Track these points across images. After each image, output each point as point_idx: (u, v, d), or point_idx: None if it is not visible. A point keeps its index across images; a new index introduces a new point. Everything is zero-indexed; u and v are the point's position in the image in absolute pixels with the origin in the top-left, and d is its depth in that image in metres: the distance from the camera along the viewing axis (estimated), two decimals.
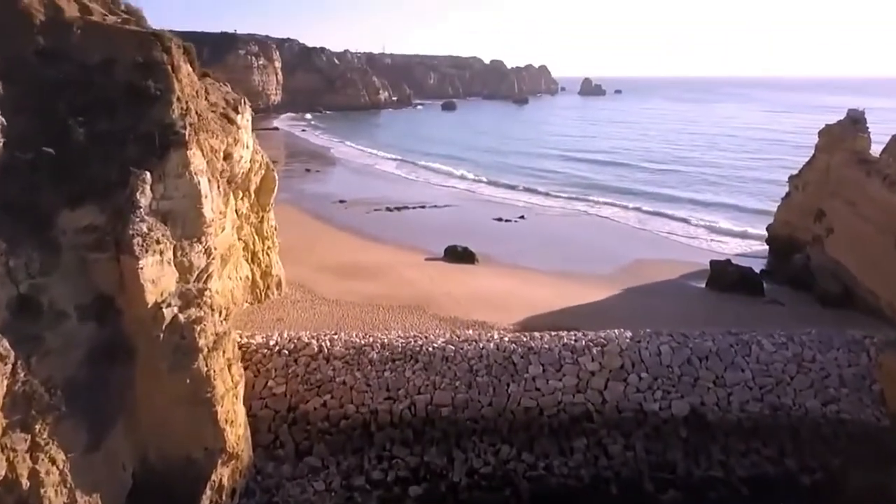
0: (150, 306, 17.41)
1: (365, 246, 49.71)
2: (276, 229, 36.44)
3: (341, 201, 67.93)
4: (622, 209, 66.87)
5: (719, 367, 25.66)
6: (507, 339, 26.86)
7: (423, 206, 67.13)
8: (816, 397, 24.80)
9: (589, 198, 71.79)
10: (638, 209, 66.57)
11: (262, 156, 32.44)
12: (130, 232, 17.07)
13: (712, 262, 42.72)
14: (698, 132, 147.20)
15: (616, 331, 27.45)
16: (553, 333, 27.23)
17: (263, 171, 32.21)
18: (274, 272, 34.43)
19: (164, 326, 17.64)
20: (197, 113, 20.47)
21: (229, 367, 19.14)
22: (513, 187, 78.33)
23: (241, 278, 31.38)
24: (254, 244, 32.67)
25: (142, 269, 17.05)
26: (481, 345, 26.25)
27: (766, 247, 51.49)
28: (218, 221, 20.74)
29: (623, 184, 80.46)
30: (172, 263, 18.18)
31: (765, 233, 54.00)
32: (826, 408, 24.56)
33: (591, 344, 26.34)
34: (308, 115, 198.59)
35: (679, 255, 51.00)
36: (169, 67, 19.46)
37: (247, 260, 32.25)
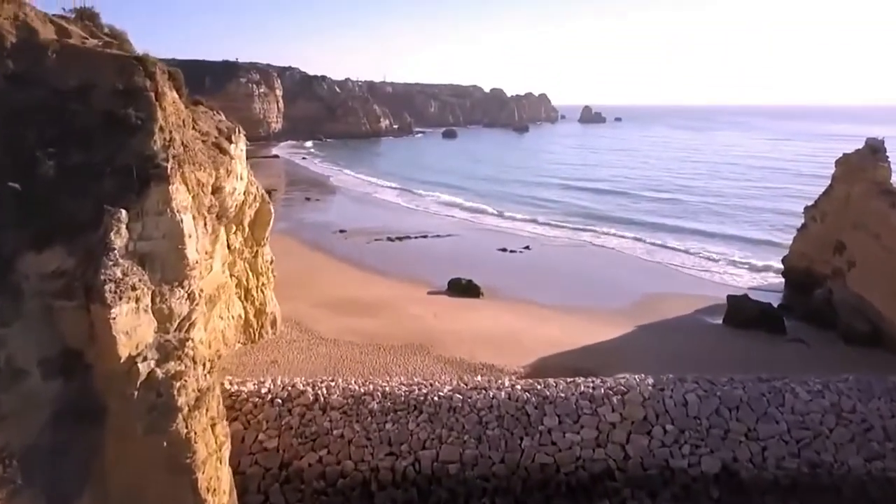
0: (123, 360, 15.40)
1: (365, 279, 47.79)
2: (272, 263, 34.55)
3: (341, 231, 66.22)
4: (629, 240, 65.05)
5: (751, 418, 23.52)
6: (518, 386, 24.75)
7: (424, 236, 65.39)
8: (859, 453, 22.60)
9: (594, 228, 70.03)
10: (644, 240, 64.76)
11: (256, 187, 30.71)
12: (102, 277, 15.16)
13: (729, 298, 40.72)
14: (700, 160, 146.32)
15: (636, 377, 25.36)
16: (569, 380, 25.12)
17: (258, 204, 30.44)
18: (269, 310, 32.43)
19: (138, 383, 15.60)
20: (183, 144, 18.73)
21: (213, 426, 17.06)
22: (516, 217, 76.61)
23: (233, 317, 29.41)
24: (247, 281, 30.75)
25: (114, 318, 15.08)
26: (491, 393, 24.13)
27: (782, 280, 49.60)
28: (204, 262, 18.86)
29: (627, 214, 78.81)
30: (150, 311, 16.22)
31: (778, 265, 52.25)
32: (870, 465, 22.35)
33: (611, 392, 24.23)
34: (308, 143, 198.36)
35: (691, 288, 49.05)
36: (152, 94, 17.76)
37: (240, 298, 30.31)
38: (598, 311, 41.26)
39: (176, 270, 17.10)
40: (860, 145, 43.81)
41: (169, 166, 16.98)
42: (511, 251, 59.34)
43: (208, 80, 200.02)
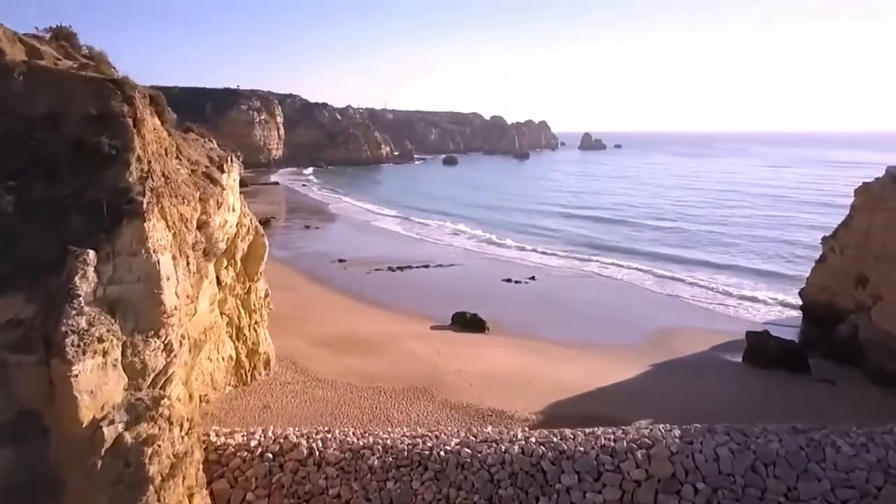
0: (85, 425, 13.39)
1: (365, 312, 45.74)
2: (266, 298, 32.56)
3: (340, 260, 64.31)
4: (636, 271, 62.96)
5: (790, 475, 21.28)
6: (533, 439, 22.54)
7: (426, 266, 63.47)
8: None
9: (600, 258, 68.01)
10: (651, 271, 62.66)
11: (250, 219, 28.88)
12: (64, 328, 13.23)
13: (749, 334, 38.61)
14: (702, 187, 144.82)
15: (661, 427, 23.18)
16: (587, 431, 22.93)
17: (251, 237, 28.57)
18: (262, 350, 30.33)
19: (103, 450, 13.56)
20: (164, 175, 16.91)
21: (190, 497, 14.94)
22: (520, 246, 74.68)
23: (223, 359, 27.33)
24: (239, 319, 28.72)
25: (76, 376, 13.11)
26: (503, 447, 21.92)
27: (798, 314, 47.57)
28: (185, 307, 16.90)
29: (633, 243, 76.77)
30: (120, 366, 14.24)
31: (792, 298, 50.32)
32: None
33: (635, 445, 22.02)
34: (309, 170, 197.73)
35: (704, 322, 46.97)
36: (129, 121, 16.02)
37: (231, 337, 28.25)
38: (611, 347, 39.12)
39: (151, 318, 15.14)
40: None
41: (145, 200, 15.12)
42: (516, 282, 57.36)
43: (209, 107, 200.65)
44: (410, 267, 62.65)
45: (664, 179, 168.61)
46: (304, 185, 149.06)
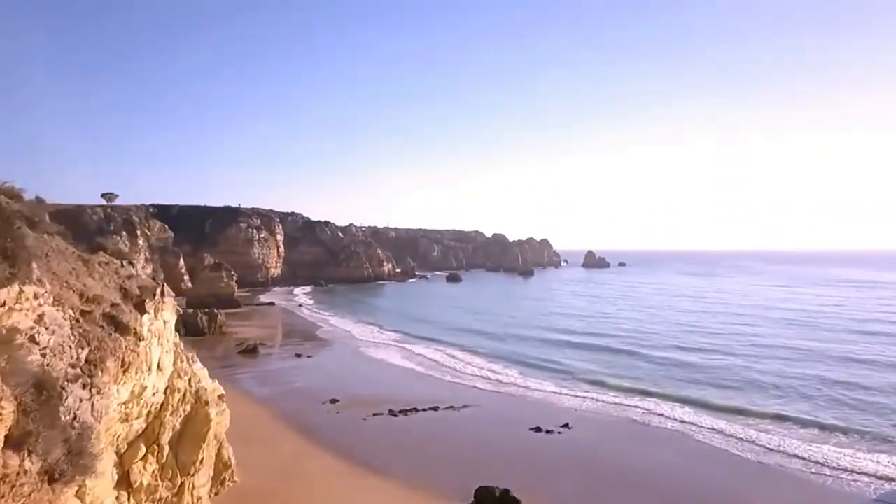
0: None
1: (358, 481, 35.01)
2: (229, 470, 22.43)
3: (333, 401, 53.89)
4: (680, 422, 51.50)
5: None
6: None
7: (435, 408, 52.90)
8: None
9: (639, 403, 56.74)
10: (699, 424, 50.84)
11: (188, 380, 19.52)
12: None
13: None
14: (720, 311, 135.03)
15: None
16: None
17: (188, 408, 19.08)
18: None
19: None
20: None
21: None
22: (542, 384, 63.49)
23: None
24: None
25: None
26: None
27: None
28: None
29: (667, 382, 64.95)
30: None
31: (887, 467, 39.81)
32: None
33: None
34: (308, 289, 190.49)
35: (806, 494, 36.06)
36: None
37: None
38: None
39: None
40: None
41: None
42: (547, 431, 46.59)
43: (209, 225, 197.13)
44: (416, 410, 52.11)
45: (677, 302, 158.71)
46: (300, 306, 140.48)
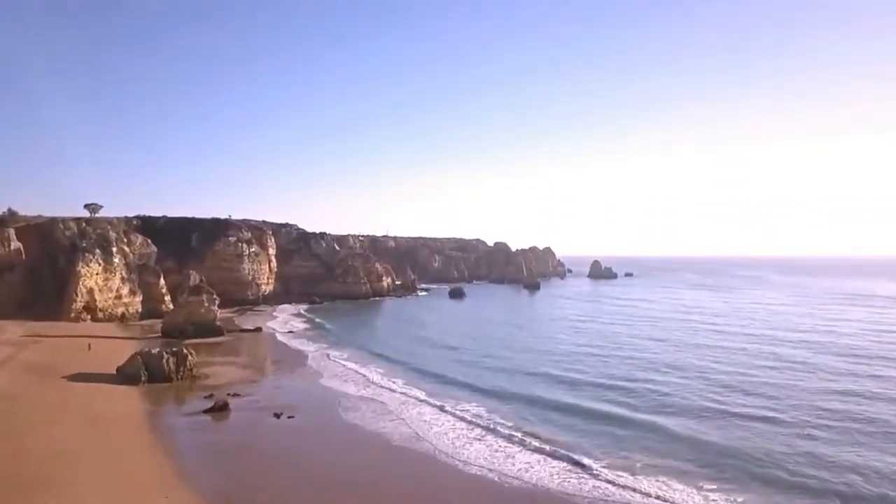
0: None
1: None
2: None
3: None
4: None
5: None
6: None
7: None
8: None
9: (705, 489, 43.76)
10: None
11: None
12: None
13: None
14: (751, 334, 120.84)
15: None
16: None
17: None
18: None
19: None
20: None
21: None
22: (576, 460, 49.79)
23: None
24: None
25: None
26: None
27: None
28: None
29: (762, 467, 48.00)
30: None
31: None
32: None
33: None
34: (301, 308, 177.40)
35: None
36: None
37: None
38: None
39: None
40: None
41: None
42: None
43: (195, 239, 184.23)
44: None
45: (697, 325, 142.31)
46: (290, 332, 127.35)
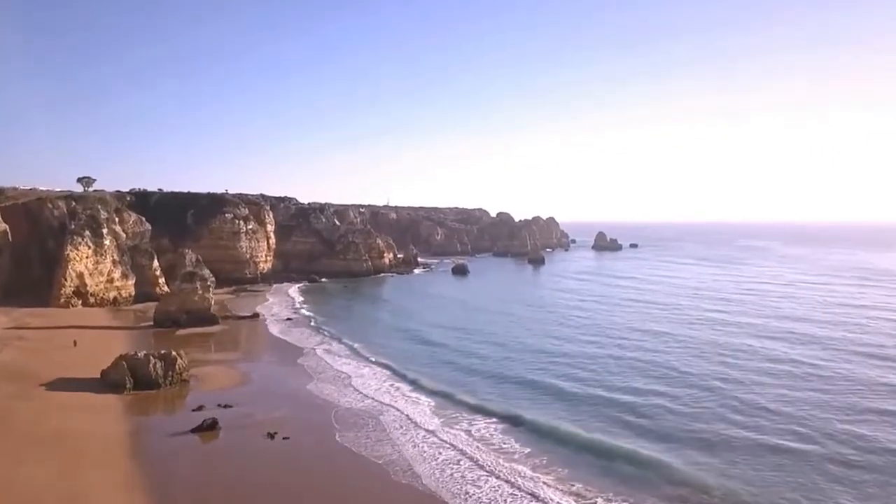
0: None
1: None
2: None
3: None
4: None
5: None
6: None
7: None
8: None
9: None
10: None
11: None
12: None
13: None
14: (776, 320, 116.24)
15: None
16: None
17: None
18: None
19: None
20: None
21: None
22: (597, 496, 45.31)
23: None
24: None
25: None
26: None
27: None
28: None
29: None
30: None
31: None
32: None
33: None
34: (299, 287, 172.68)
35: None
36: None
37: None
38: None
39: None
40: None
41: None
42: None
43: (190, 216, 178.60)
44: None
45: (711, 304, 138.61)
46: (288, 320, 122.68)
